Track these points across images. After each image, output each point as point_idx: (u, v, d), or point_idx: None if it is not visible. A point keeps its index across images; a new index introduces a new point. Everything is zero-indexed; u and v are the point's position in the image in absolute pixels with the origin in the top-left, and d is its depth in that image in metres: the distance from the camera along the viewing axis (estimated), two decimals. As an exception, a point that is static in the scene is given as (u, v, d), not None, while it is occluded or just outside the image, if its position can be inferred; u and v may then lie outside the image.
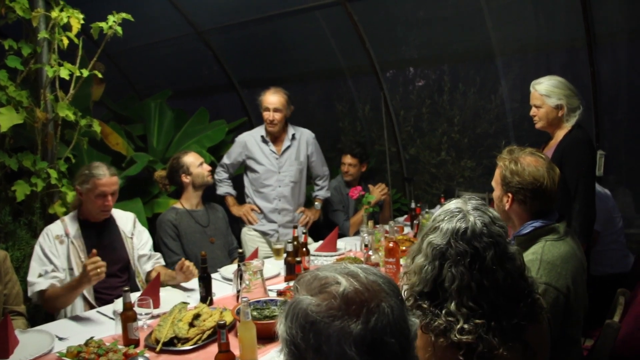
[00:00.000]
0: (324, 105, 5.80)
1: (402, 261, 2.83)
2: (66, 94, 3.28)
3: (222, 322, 1.77)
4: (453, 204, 1.55)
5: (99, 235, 2.86)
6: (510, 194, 2.03)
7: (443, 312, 1.43)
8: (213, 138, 5.06)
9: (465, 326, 1.40)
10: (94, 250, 2.42)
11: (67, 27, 3.13)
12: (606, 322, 1.99)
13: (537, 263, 1.89)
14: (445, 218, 1.51)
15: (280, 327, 0.98)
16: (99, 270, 2.30)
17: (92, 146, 4.04)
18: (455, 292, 1.43)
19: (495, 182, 2.14)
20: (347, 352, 0.89)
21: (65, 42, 3.08)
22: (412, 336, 0.96)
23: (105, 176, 2.73)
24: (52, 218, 3.28)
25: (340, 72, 5.40)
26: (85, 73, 3.11)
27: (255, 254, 3.16)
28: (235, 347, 1.97)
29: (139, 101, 5.81)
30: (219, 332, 1.78)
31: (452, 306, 1.42)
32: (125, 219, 3.00)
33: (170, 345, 2.13)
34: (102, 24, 3.09)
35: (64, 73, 3.03)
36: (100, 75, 3.23)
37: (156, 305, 2.49)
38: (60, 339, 2.26)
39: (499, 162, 2.13)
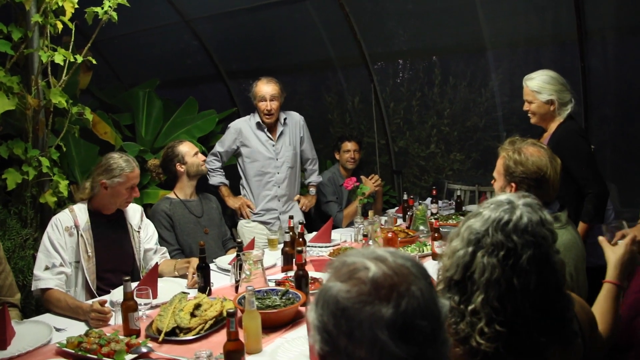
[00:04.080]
0: (313, 97, 5.78)
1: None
2: (52, 81, 3.21)
3: (233, 311, 1.75)
4: (505, 196, 1.43)
5: (109, 229, 2.80)
6: (513, 184, 2.06)
7: (469, 309, 1.32)
8: (203, 128, 5.02)
9: (486, 329, 1.29)
10: (105, 299, 2.36)
11: (58, 12, 3.05)
12: (607, 311, 2.01)
13: None
14: (491, 206, 1.39)
15: (311, 315, 0.98)
16: (101, 322, 2.24)
17: (80, 135, 3.96)
18: (484, 286, 1.31)
19: (498, 173, 2.16)
20: (380, 337, 0.89)
21: (60, 26, 3.01)
22: (443, 317, 0.96)
23: (134, 169, 2.75)
24: (43, 207, 3.22)
25: (330, 63, 5.38)
26: (80, 59, 3.05)
27: (251, 245, 3.14)
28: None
29: (125, 90, 5.72)
30: (228, 321, 1.75)
31: (479, 302, 1.31)
32: (133, 212, 2.94)
33: (172, 335, 2.10)
34: (97, 9, 3.03)
35: (58, 58, 2.96)
36: (94, 62, 3.16)
37: (154, 295, 2.46)
38: (58, 329, 2.22)
39: (502, 153, 2.15)
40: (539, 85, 2.89)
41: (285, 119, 3.88)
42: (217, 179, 3.90)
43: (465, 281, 1.34)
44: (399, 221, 3.97)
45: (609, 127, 4.33)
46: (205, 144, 4.93)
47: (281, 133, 3.86)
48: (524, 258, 1.30)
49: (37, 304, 3.09)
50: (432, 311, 0.94)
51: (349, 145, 4.34)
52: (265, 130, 3.80)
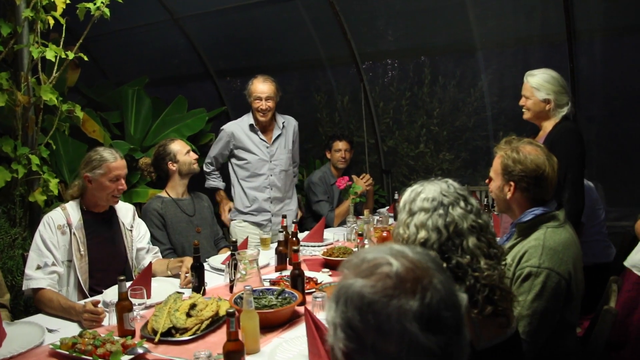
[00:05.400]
0: (302, 96, 5.76)
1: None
2: (43, 78, 3.15)
3: (232, 311, 1.74)
4: (413, 186, 1.67)
5: (101, 227, 2.77)
6: (512, 183, 2.06)
7: (467, 257, 1.51)
8: (192, 127, 4.99)
9: (482, 263, 1.52)
10: (98, 300, 2.32)
11: (49, 7, 3.00)
12: (604, 308, 2.04)
13: (540, 249, 1.94)
14: (420, 185, 1.64)
15: (331, 313, 0.97)
16: (94, 323, 2.21)
17: (68, 133, 3.90)
18: (469, 230, 1.55)
19: (495, 173, 2.15)
20: (409, 329, 0.89)
21: (51, 21, 2.95)
22: (463, 310, 0.97)
23: (117, 159, 2.69)
24: (32, 206, 3.17)
25: (320, 62, 5.37)
26: (71, 55, 3.00)
27: (245, 244, 3.12)
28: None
29: (113, 88, 5.65)
30: (228, 321, 1.74)
31: (472, 245, 1.53)
32: (125, 211, 2.90)
33: (168, 335, 2.07)
34: (89, 5, 2.98)
35: (49, 55, 2.91)
36: (85, 59, 3.11)
37: (148, 295, 2.43)
38: (50, 330, 2.18)
39: (499, 152, 2.14)
40: (538, 82, 2.89)
41: (283, 123, 3.87)
42: (212, 182, 3.93)
43: (451, 238, 1.54)
44: (390, 220, 3.97)
45: (596, 127, 4.39)
46: (195, 142, 4.89)
47: (278, 136, 3.85)
48: (471, 201, 1.60)
49: (26, 304, 3.04)
50: (454, 302, 0.95)
51: (340, 145, 4.34)
52: (259, 132, 3.78)
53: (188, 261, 2.70)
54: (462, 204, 1.57)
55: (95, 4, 2.99)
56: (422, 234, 1.55)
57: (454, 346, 0.92)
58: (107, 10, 3.02)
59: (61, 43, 3.08)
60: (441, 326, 0.91)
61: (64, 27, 3.07)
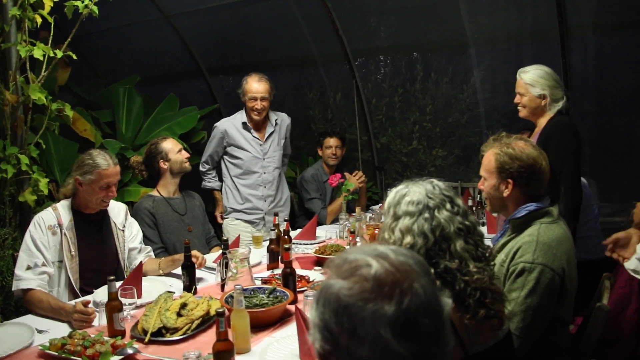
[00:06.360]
0: (295, 93, 5.75)
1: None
2: (31, 77, 3.12)
3: (222, 310, 1.73)
4: (397, 187, 1.65)
5: (92, 228, 2.74)
6: (510, 180, 2.04)
7: (455, 262, 1.49)
8: (184, 125, 4.96)
9: (472, 266, 1.50)
10: (89, 300, 2.30)
11: (36, 5, 2.97)
12: (597, 305, 2.04)
13: (534, 244, 1.94)
14: (404, 187, 1.61)
15: (312, 313, 0.97)
16: (84, 323, 2.19)
17: (59, 132, 3.88)
18: (455, 233, 1.52)
19: (488, 172, 2.11)
20: (382, 335, 0.88)
21: (39, 20, 2.93)
22: (445, 315, 0.95)
23: (110, 166, 2.61)
24: (22, 206, 3.14)
25: (312, 59, 5.37)
26: (60, 54, 2.97)
27: (236, 242, 3.11)
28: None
29: (104, 87, 5.62)
30: (217, 321, 1.73)
31: (459, 248, 1.51)
32: (117, 211, 2.87)
33: (159, 335, 2.06)
34: (77, 3, 2.95)
35: (37, 53, 2.88)
36: (74, 57, 3.09)
37: (139, 295, 2.42)
38: (40, 331, 2.16)
39: (491, 150, 2.11)
40: (532, 78, 2.87)
41: (276, 120, 3.86)
42: (209, 184, 3.94)
43: (438, 242, 1.51)
44: (383, 218, 3.96)
45: (589, 123, 4.39)
46: (187, 140, 4.87)
47: (271, 133, 3.84)
48: (457, 202, 1.58)
49: (16, 305, 3.02)
50: (435, 309, 0.93)
51: (331, 141, 4.33)
52: (252, 130, 3.77)
53: (181, 255, 2.69)
54: (448, 206, 1.54)
55: (83, 2, 2.97)
56: (408, 239, 1.52)
57: (430, 354, 0.91)
58: (95, 8, 2.99)
59: (49, 41, 3.05)
60: (418, 333, 0.90)
61: (52, 26, 3.03)
